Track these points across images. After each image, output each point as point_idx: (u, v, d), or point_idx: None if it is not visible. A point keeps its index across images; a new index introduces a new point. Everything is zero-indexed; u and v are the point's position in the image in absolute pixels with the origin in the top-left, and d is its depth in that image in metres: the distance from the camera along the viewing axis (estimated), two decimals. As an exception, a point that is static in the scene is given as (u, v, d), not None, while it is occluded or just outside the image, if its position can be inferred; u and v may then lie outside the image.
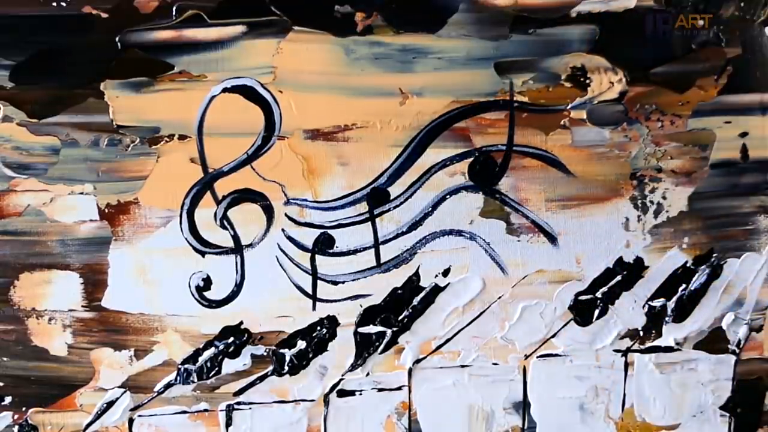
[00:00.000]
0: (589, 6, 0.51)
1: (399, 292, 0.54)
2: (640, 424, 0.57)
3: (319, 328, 0.54)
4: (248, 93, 0.50)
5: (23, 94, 0.49)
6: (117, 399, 0.54)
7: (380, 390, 0.55)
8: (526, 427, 0.57)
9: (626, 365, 0.57)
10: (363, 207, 0.53)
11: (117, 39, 0.48)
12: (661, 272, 0.55)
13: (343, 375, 0.55)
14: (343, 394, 0.55)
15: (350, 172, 0.52)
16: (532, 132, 0.53)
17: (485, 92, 0.52)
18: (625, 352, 0.56)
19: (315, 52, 0.50)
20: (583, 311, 0.55)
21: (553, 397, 0.56)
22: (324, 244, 0.53)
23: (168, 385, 0.54)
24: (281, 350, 0.54)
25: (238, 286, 0.53)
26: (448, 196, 0.53)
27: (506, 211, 0.54)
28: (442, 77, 0.51)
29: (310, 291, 0.53)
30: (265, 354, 0.54)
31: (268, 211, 0.52)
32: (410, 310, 0.54)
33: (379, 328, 0.54)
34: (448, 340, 0.55)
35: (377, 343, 0.54)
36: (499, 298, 0.55)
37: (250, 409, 0.54)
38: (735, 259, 0.56)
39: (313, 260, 0.53)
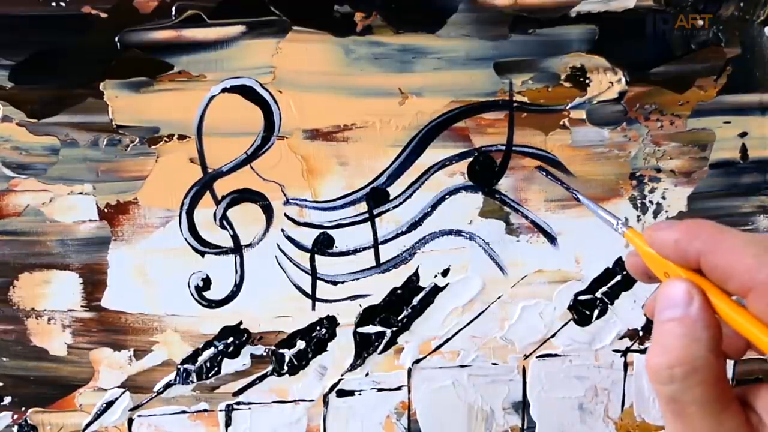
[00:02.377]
0: (588, 6, 0.50)
1: (398, 292, 0.54)
2: (639, 424, 0.57)
3: (318, 328, 0.54)
4: (248, 93, 0.50)
5: (23, 94, 0.49)
6: (116, 399, 0.54)
7: (380, 390, 0.55)
8: (525, 427, 0.57)
9: (626, 365, 0.57)
10: (362, 207, 0.53)
11: (116, 39, 0.48)
12: (660, 272, 0.55)
13: (342, 375, 0.55)
14: (342, 394, 0.55)
15: (350, 172, 0.52)
16: (532, 132, 0.53)
17: (485, 92, 0.52)
18: (624, 352, 0.56)
19: (314, 52, 0.50)
20: (582, 311, 0.55)
21: (552, 397, 0.56)
22: (323, 244, 0.53)
23: (167, 385, 0.54)
24: (280, 350, 0.54)
25: (238, 286, 0.53)
26: (447, 196, 0.53)
27: (506, 211, 0.54)
28: (441, 77, 0.51)
29: (309, 291, 0.53)
30: (264, 354, 0.54)
31: (268, 211, 0.52)
32: (410, 310, 0.54)
33: (379, 328, 0.54)
34: (447, 340, 0.55)
35: (377, 343, 0.54)
36: (499, 298, 0.55)
37: (249, 409, 0.54)
38: (734, 259, 0.55)
39: (312, 260, 0.53)
